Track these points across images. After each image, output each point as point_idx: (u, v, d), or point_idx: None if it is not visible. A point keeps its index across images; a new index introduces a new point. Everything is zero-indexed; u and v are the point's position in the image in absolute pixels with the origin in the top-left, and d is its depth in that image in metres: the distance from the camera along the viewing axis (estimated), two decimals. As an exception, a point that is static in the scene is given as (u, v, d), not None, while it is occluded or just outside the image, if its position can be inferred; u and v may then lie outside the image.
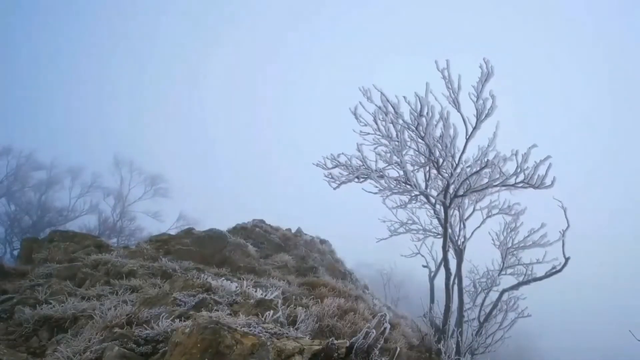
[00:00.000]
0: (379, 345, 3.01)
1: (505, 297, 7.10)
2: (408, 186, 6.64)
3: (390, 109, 6.15)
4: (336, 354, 2.84)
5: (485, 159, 6.08)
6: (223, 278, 5.79)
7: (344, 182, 6.60)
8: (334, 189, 6.64)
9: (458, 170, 6.32)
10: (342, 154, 6.54)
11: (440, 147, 6.29)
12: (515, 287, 7.03)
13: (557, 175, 5.62)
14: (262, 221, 11.55)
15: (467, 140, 6.12)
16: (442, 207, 6.74)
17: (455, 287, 6.88)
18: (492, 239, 7.45)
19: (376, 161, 6.55)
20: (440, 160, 6.38)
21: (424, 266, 8.38)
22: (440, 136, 6.23)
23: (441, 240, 6.85)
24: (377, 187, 6.76)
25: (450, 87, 5.84)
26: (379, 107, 6.22)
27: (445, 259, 6.78)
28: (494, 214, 7.35)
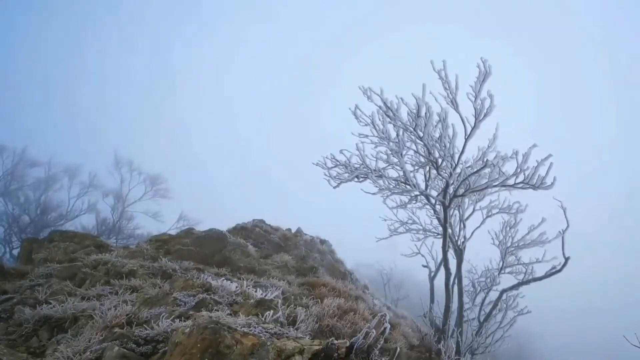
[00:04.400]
0: (379, 345, 3.01)
1: (504, 296, 7.10)
2: (407, 186, 6.64)
3: (389, 111, 6.15)
4: (336, 354, 2.84)
5: (485, 159, 6.07)
6: (223, 278, 5.79)
7: (343, 182, 6.60)
8: (334, 187, 6.65)
9: (457, 170, 6.31)
10: (342, 152, 6.54)
11: (439, 147, 6.29)
12: (515, 287, 7.03)
13: (558, 175, 5.61)
14: (262, 221, 11.54)
15: (466, 140, 6.12)
16: (441, 207, 6.75)
17: (455, 287, 6.88)
18: (492, 238, 7.46)
19: (376, 161, 6.56)
20: (440, 160, 6.38)
21: (424, 266, 8.39)
22: (439, 136, 6.23)
23: (441, 240, 6.85)
24: (376, 187, 6.77)
25: (447, 87, 5.84)
26: (379, 107, 6.23)
27: (445, 259, 6.78)
28: (493, 214, 7.36)
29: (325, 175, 6.67)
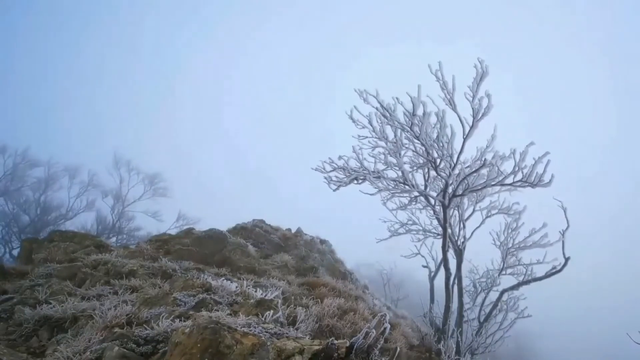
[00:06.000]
0: (379, 345, 3.01)
1: (505, 297, 7.10)
2: (406, 187, 6.65)
3: (386, 112, 6.16)
4: (336, 354, 2.83)
5: (483, 159, 6.08)
6: (223, 278, 5.79)
7: (342, 185, 6.60)
8: (333, 190, 6.66)
9: (456, 170, 6.31)
10: (341, 157, 6.55)
11: (437, 147, 6.30)
12: (515, 287, 7.03)
13: (558, 175, 5.61)
14: (262, 221, 11.53)
15: (465, 140, 6.13)
16: (441, 208, 6.75)
17: (455, 287, 6.89)
18: (493, 239, 7.47)
19: (375, 163, 6.56)
20: (438, 160, 6.39)
21: (424, 266, 8.39)
22: (437, 136, 6.23)
23: (441, 240, 6.85)
24: (375, 188, 6.77)
25: (444, 87, 5.86)
26: (376, 109, 6.24)
27: (445, 259, 6.78)
28: (493, 214, 7.37)
29: (325, 179, 6.68)
